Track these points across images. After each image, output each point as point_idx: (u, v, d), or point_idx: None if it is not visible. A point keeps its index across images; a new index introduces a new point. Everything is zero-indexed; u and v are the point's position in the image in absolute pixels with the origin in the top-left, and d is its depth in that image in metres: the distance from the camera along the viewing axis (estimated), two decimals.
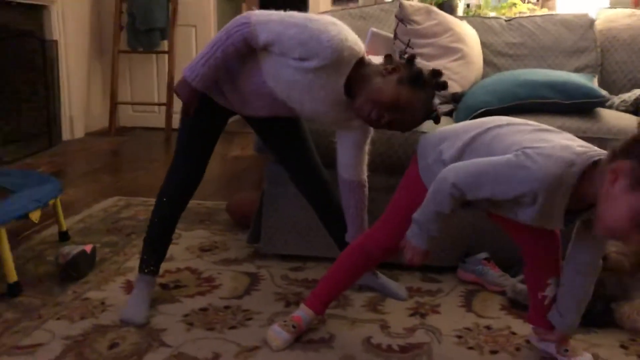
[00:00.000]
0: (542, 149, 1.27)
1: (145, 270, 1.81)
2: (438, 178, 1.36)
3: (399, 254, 1.48)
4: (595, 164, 1.24)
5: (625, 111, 2.26)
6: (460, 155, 1.40)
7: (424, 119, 1.56)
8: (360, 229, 1.82)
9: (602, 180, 1.19)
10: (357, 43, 1.53)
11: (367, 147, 1.77)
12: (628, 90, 2.45)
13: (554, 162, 1.23)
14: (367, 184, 1.81)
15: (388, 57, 1.56)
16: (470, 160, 1.36)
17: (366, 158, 1.79)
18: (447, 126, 1.59)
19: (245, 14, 1.55)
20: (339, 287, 1.70)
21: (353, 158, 1.76)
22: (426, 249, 1.41)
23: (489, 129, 1.41)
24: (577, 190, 1.24)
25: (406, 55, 1.59)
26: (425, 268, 2.10)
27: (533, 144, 1.29)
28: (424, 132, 1.60)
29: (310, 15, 1.55)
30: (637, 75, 2.55)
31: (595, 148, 1.30)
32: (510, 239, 1.76)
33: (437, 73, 1.53)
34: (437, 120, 1.56)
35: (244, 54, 1.56)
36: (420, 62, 1.55)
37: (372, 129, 1.73)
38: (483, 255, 2.02)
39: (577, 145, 1.30)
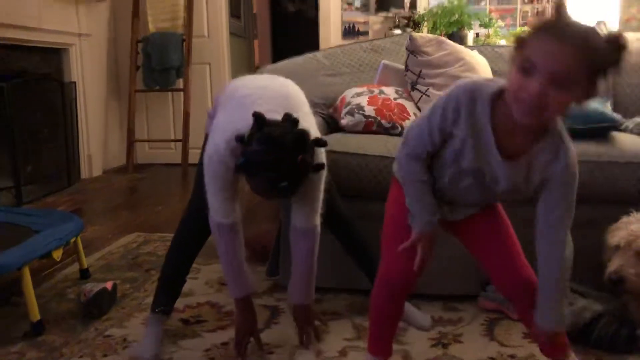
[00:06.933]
0: None
1: (156, 310, 1.81)
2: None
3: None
4: None
5: None
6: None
7: (273, 193, 1.52)
8: (306, 276, 1.79)
9: None
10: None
11: (320, 196, 1.68)
12: None
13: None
14: (319, 231, 1.74)
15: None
16: None
17: (319, 207, 1.70)
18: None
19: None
20: (386, 325, 1.56)
21: (303, 208, 1.70)
22: (429, 231, 1.41)
23: None
24: None
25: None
26: (446, 297, 2.09)
27: None
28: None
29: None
30: None
31: None
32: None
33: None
34: (286, 194, 1.51)
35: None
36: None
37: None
38: None
39: None
